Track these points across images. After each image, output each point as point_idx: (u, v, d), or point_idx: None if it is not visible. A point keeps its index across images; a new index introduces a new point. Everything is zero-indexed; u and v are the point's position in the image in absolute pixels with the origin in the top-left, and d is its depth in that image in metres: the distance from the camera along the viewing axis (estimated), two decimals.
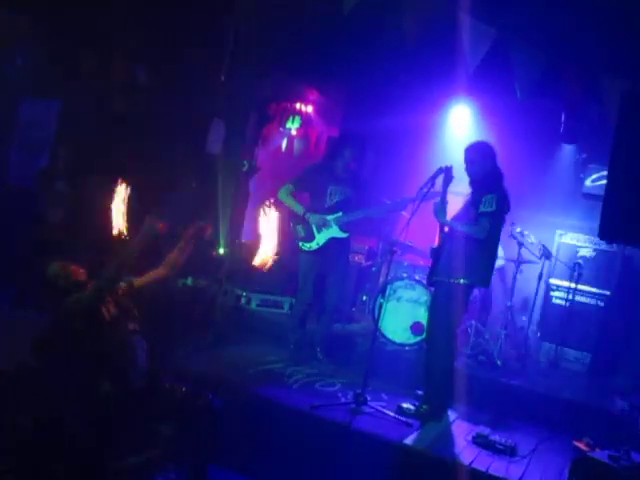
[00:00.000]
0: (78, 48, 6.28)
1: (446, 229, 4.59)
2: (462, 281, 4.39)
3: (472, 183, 4.57)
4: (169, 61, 6.57)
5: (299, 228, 5.34)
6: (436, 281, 4.55)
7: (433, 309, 4.67)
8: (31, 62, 6.39)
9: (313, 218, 5.27)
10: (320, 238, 5.30)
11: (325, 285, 5.46)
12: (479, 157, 4.49)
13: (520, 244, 6.03)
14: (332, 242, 5.32)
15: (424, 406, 4.46)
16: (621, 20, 4.10)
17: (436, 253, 4.58)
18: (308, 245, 5.32)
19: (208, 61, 6.40)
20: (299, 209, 5.32)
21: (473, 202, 4.44)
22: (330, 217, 5.30)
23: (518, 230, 5.98)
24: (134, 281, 3.55)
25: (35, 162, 6.49)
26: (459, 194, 4.73)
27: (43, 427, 3.17)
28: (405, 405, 4.46)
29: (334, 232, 5.31)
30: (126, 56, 6.51)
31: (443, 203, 4.46)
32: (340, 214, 5.30)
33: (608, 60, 4.40)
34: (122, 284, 3.44)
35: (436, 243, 4.65)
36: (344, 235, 5.36)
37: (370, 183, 5.71)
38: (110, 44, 6.29)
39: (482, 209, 4.33)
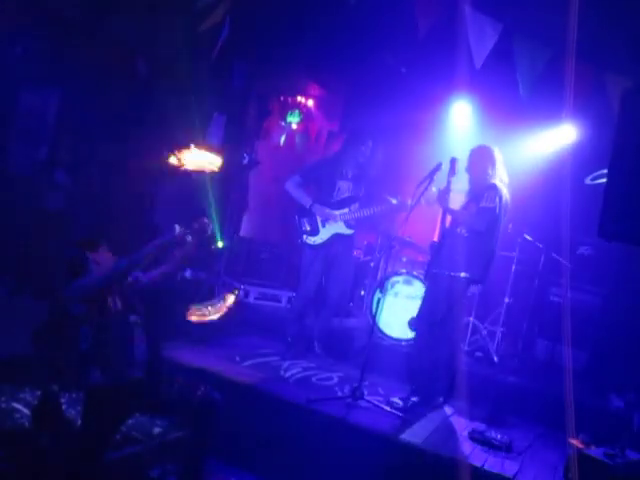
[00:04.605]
0: (77, 37, 6.26)
1: (447, 222, 4.64)
2: (462, 275, 4.43)
3: (473, 183, 4.68)
4: (169, 53, 6.55)
5: (304, 221, 5.32)
6: (435, 274, 4.57)
7: (424, 300, 4.67)
8: (31, 51, 6.37)
9: (319, 211, 5.25)
10: (324, 233, 5.28)
11: (327, 280, 5.46)
12: (481, 160, 4.62)
13: (518, 241, 6.04)
14: (336, 238, 5.30)
15: (413, 399, 4.48)
16: (625, 17, 4.09)
17: (436, 246, 4.61)
18: (312, 239, 5.30)
19: (209, 54, 6.37)
20: (306, 201, 5.30)
21: (474, 199, 4.53)
22: (336, 212, 5.28)
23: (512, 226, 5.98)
24: (141, 277, 3.56)
25: (35, 151, 6.47)
26: (460, 191, 4.76)
27: (40, 415, 3.18)
28: (394, 399, 4.48)
29: (339, 228, 5.30)
30: (126, 47, 6.49)
31: (447, 191, 4.51)
32: (347, 210, 5.29)
33: (612, 57, 4.40)
34: (130, 278, 3.44)
35: (437, 237, 4.68)
36: (349, 232, 5.35)
37: (376, 180, 5.70)
38: (110, 34, 6.27)
39: (483, 204, 4.45)
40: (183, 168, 4.24)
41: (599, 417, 4.74)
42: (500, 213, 4.51)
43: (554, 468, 3.97)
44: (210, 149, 4.47)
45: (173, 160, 3.86)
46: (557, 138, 6.50)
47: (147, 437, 3.44)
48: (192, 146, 4.19)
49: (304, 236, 5.32)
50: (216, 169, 4.56)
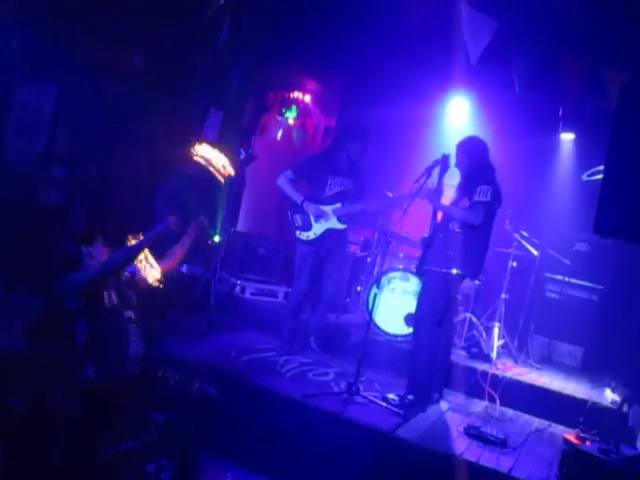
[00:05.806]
0: (75, 31, 6.24)
1: (438, 218, 4.61)
2: (454, 271, 4.42)
3: (464, 177, 4.62)
4: (166, 47, 6.53)
5: (297, 217, 5.34)
6: (427, 270, 4.55)
7: (422, 298, 4.66)
8: (27, 45, 6.34)
9: (311, 208, 5.26)
10: (317, 228, 5.29)
11: (322, 275, 5.47)
12: (471, 151, 4.57)
13: (515, 237, 6.04)
14: (329, 233, 5.32)
15: (409, 396, 4.47)
16: (620, 11, 4.09)
17: (427, 242, 4.58)
18: (305, 234, 5.32)
19: (206, 49, 6.36)
20: (297, 197, 5.31)
21: (465, 193, 4.49)
22: (328, 208, 5.29)
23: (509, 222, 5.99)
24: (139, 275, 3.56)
25: (32, 145, 6.46)
26: (452, 186, 4.74)
27: (36, 411, 3.17)
28: (390, 395, 4.47)
29: (332, 223, 5.31)
30: (123, 40, 6.47)
31: (438, 189, 4.49)
32: (339, 205, 5.29)
33: (607, 52, 4.39)
34: (126, 274, 3.44)
35: (427, 232, 4.64)
36: (342, 227, 5.36)
37: (369, 175, 5.71)
38: (107, 28, 6.25)
39: (477, 198, 4.38)
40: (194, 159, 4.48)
41: (594, 412, 4.75)
42: (494, 208, 4.49)
43: (549, 464, 3.98)
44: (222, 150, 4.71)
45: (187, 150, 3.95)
46: (553, 134, 6.51)
47: (142, 432, 3.43)
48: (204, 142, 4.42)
49: (297, 231, 5.34)
50: (223, 171, 4.77)
